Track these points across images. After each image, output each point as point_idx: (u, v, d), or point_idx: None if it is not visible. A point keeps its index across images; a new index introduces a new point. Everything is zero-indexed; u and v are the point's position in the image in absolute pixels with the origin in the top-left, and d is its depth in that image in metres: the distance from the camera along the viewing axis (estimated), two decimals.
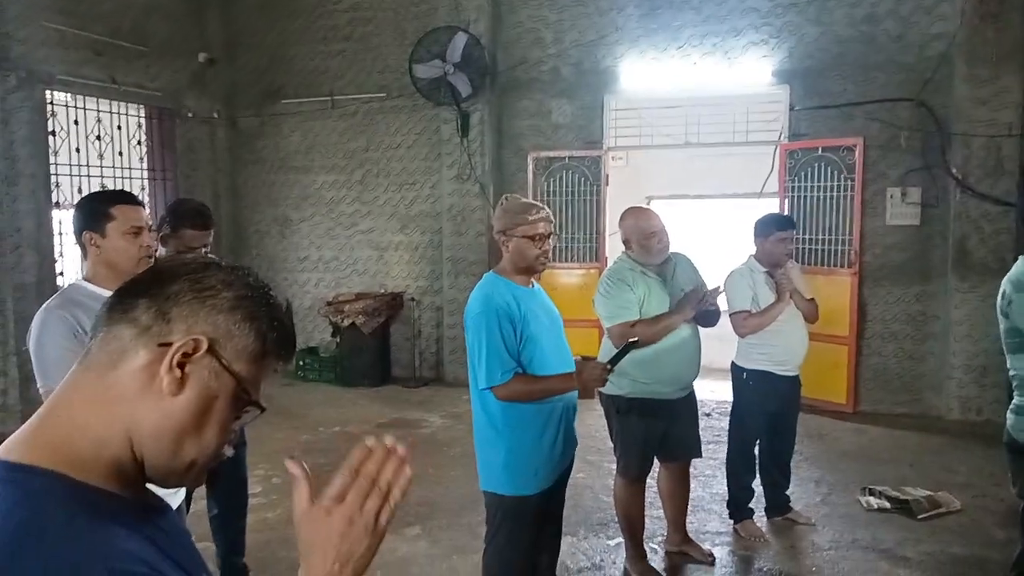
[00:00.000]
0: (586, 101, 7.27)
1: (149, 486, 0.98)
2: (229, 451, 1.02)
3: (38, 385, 2.18)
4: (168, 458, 0.94)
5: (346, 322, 7.53)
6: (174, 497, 2.35)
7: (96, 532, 0.83)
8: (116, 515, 0.88)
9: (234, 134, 8.43)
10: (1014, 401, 2.73)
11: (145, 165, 7.62)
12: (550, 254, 2.84)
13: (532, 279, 2.87)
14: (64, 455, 0.88)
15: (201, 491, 3.47)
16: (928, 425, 6.17)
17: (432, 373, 7.84)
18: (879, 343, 6.54)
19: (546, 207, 2.88)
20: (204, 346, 0.92)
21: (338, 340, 7.75)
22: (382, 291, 7.93)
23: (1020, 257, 2.73)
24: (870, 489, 4.66)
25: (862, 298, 6.51)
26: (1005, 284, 2.71)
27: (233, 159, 8.46)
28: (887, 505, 4.48)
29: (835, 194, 6.54)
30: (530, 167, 7.38)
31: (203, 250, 3.38)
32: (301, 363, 7.92)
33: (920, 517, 4.31)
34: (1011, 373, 2.75)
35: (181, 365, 0.91)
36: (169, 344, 0.91)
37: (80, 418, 0.91)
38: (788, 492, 4.40)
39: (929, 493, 4.53)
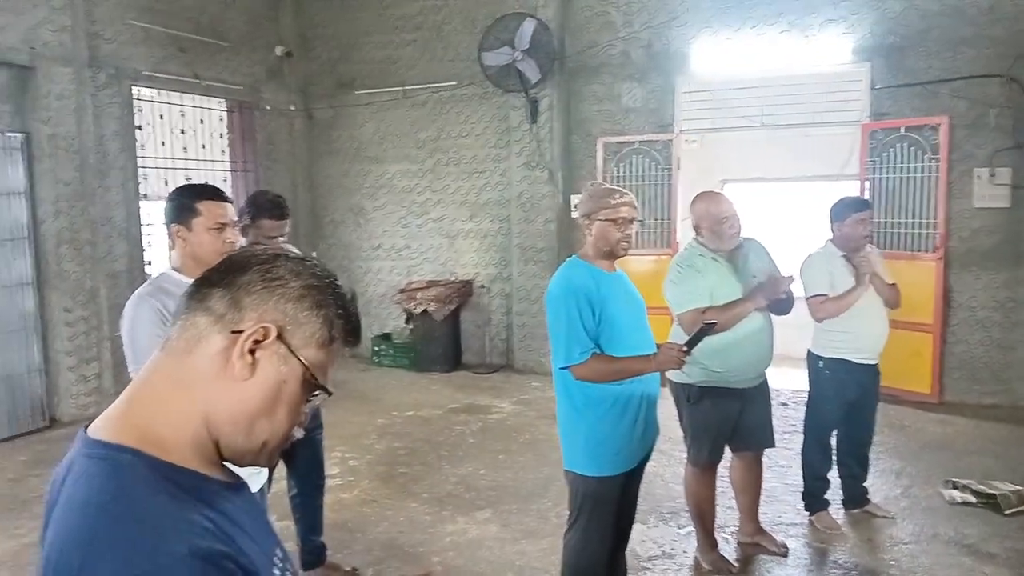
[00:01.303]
0: (657, 84, 7.17)
1: (229, 466, 1.04)
2: (299, 433, 1.06)
3: (129, 369, 2.31)
4: (242, 439, 0.99)
5: (418, 309, 7.66)
6: (257, 477, 2.44)
7: (177, 507, 0.89)
8: (196, 492, 0.93)
9: (310, 125, 8.64)
10: None
11: (227, 157, 7.90)
12: (633, 239, 2.85)
13: (615, 263, 2.88)
14: (148, 435, 0.95)
15: (281, 471, 3.60)
16: (1018, 416, 5.88)
17: (502, 360, 7.91)
18: (966, 331, 6.26)
19: (630, 193, 2.89)
20: (273, 333, 0.97)
21: (411, 327, 7.89)
22: (453, 278, 8.03)
23: None
24: (954, 482, 4.48)
25: (947, 284, 6.24)
26: None
27: (309, 150, 8.68)
28: (972, 499, 4.30)
29: (919, 175, 6.27)
30: (599, 152, 7.33)
31: (280, 239, 3.49)
32: (376, 349, 8.10)
33: (1007, 512, 4.13)
34: None
35: (252, 351, 0.97)
36: (241, 331, 0.96)
37: (162, 400, 0.97)
38: (867, 484, 4.28)
39: (1018, 488, 4.33)
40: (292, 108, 8.44)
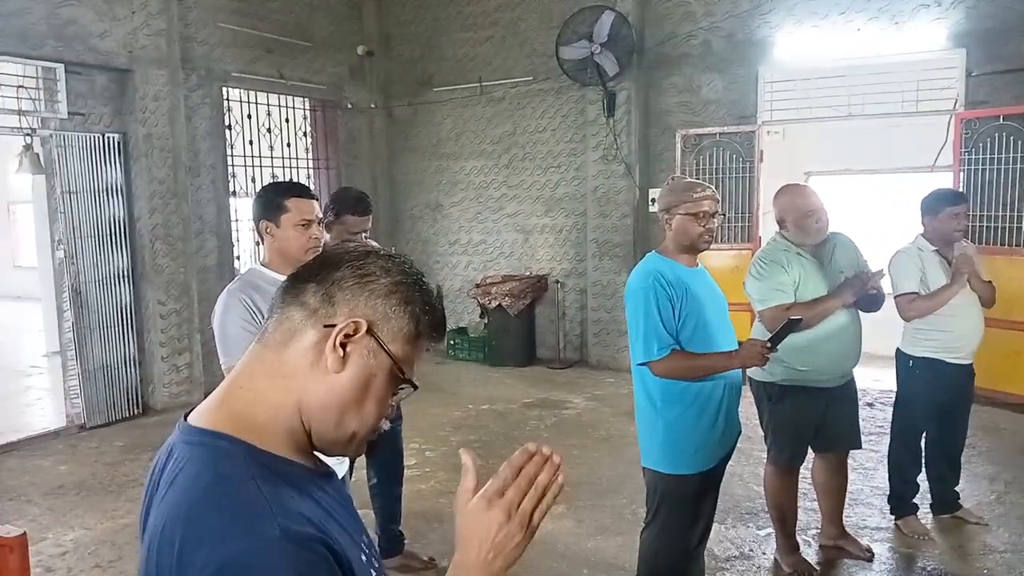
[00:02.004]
0: (738, 75, 7.01)
1: (317, 454, 1.07)
2: (386, 425, 1.09)
3: (220, 360, 2.41)
4: (332, 429, 1.02)
5: (493, 304, 7.72)
6: (339, 466, 2.51)
7: (272, 492, 0.92)
8: (289, 478, 0.97)
9: (390, 123, 8.80)
10: None
11: (310, 155, 8.12)
12: (714, 233, 2.81)
13: (696, 258, 2.84)
14: (245, 423, 0.99)
15: (361, 461, 3.69)
16: None
17: (576, 355, 7.89)
18: None
19: (711, 187, 2.84)
20: (364, 328, 1.00)
21: (486, 321, 7.96)
22: (528, 273, 8.06)
23: None
24: None
25: None
26: None
27: (389, 147, 8.84)
28: None
29: (1018, 166, 5.94)
30: (678, 145, 7.22)
31: (363, 235, 3.56)
32: (452, 343, 8.20)
33: None
34: None
35: (343, 345, 0.99)
36: (333, 325, 1.00)
37: (258, 390, 1.01)
38: (958, 489, 4.09)
39: None
40: (373, 106, 8.62)
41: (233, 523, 0.88)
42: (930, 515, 4.06)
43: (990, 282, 3.87)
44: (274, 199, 2.52)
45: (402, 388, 1.06)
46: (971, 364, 3.85)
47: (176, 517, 0.92)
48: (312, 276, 1.04)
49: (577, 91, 7.58)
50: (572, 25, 7.23)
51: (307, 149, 8.09)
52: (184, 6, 6.60)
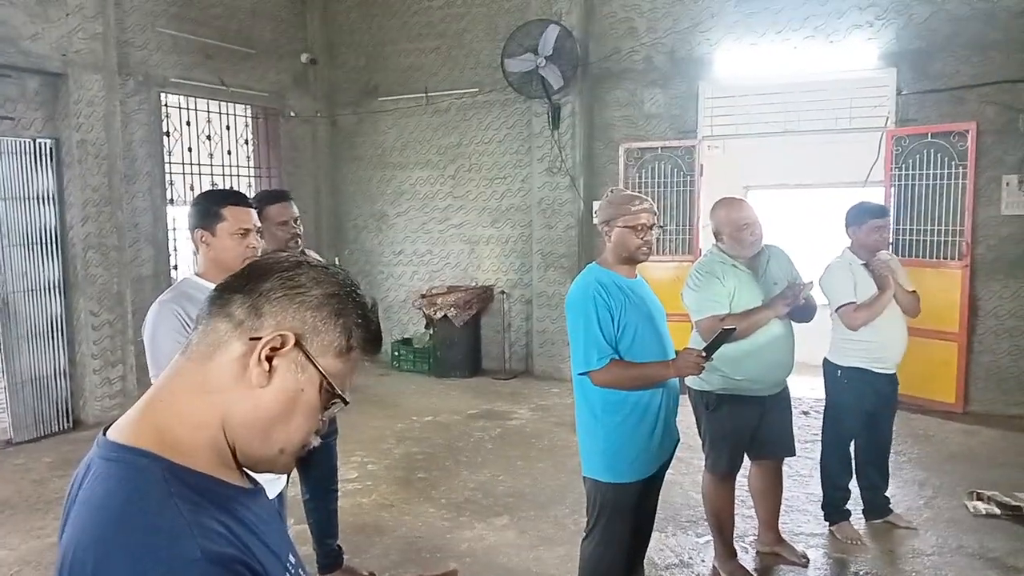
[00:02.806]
0: (680, 90, 7.15)
1: (246, 470, 1.05)
2: (316, 440, 1.07)
3: (151, 374, 2.34)
4: (258, 445, 1.00)
5: (439, 314, 7.69)
6: (276, 483, 2.46)
7: (191, 511, 0.90)
8: (211, 496, 0.94)
9: (334, 132, 8.72)
10: None
11: (251, 163, 7.99)
12: (652, 245, 2.85)
13: (635, 270, 2.89)
14: (166, 438, 0.96)
15: (295, 476, 3.63)
16: None
17: (521, 366, 7.91)
18: (992, 340, 6.16)
19: (649, 199, 2.89)
20: (291, 341, 0.98)
21: (431, 332, 7.92)
22: (473, 284, 8.06)
23: None
24: (978, 494, 4.41)
25: (974, 292, 6.15)
26: None
27: (333, 156, 8.76)
28: (997, 511, 4.23)
29: (945, 182, 6.19)
30: (621, 158, 7.32)
31: (294, 224, 3.42)
32: (396, 354, 8.14)
33: None
34: None
35: (269, 358, 0.97)
36: (259, 338, 0.97)
37: (181, 404, 0.98)
38: (890, 494, 4.22)
39: None
40: (316, 114, 8.53)
41: (148, 545, 0.86)
42: (863, 520, 4.17)
43: (914, 292, 4.01)
44: (210, 207, 2.46)
45: (333, 403, 1.04)
46: (895, 373, 3.98)
47: (89, 538, 0.88)
48: (239, 287, 1.01)
49: (523, 103, 7.63)
50: (517, 38, 7.28)
51: (248, 157, 7.96)
52: (121, 10, 6.44)
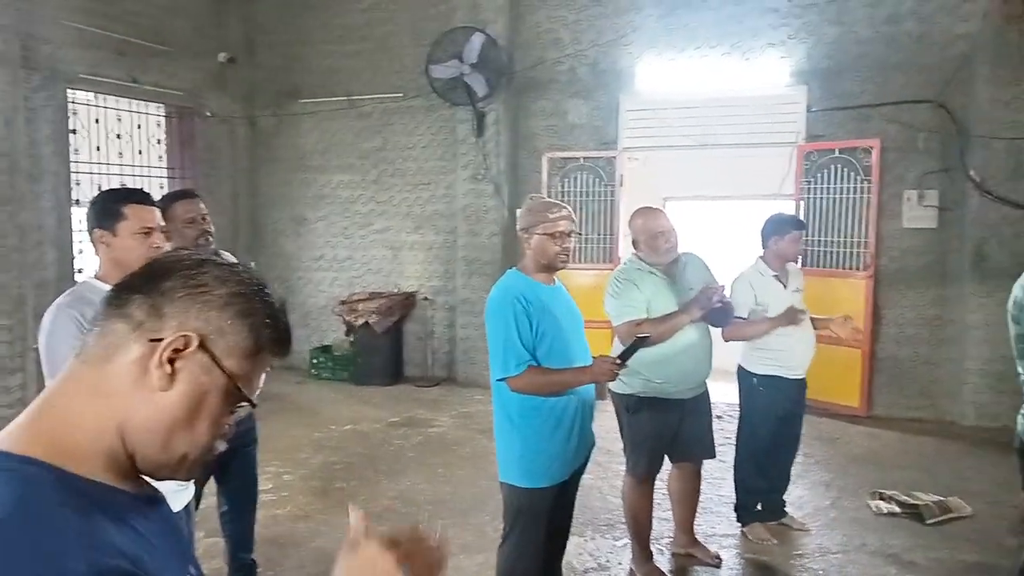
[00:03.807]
0: (602, 102, 7.27)
1: (150, 479, 1.00)
2: (222, 446, 1.03)
3: (46, 382, 2.22)
4: (159, 451, 0.96)
5: (359, 321, 7.58)
6: (183, 493, 2.38)
7: (82, 523, 0.85)
8: (105, 507, 0.90)
9: (253, 133, 8.51)
10: None
11: (165, 164, 7.72)
12: (571, 252, 2.89)
13: (554, 276, 2.91)
14: (59, 446, 0.91)
15: (212, 487, 3.51)
16: (942, 430, 6.11)
17: (444, 373, 7.88)
18: (894, 347, 6.48)
19: (568, 207, 2.93)
20: (195, 342, 0.94)
21: (351, 339, 7.81)
22: (396, 291, 7.98)
23: None
24: (880, 493, 4.63)
25: (877, 301, 6.46)
26: (1016, 289, 2.72)
27: (252, 158, 8.54)
28: (897, 510, 4.45)
29: (851, 196, 6.49)
30: (545, 168, 7.39)
31: (203, 220, 3.29)
32: (315, 361, 7.99)
33: (930, 522, 4.28)
34: (1021, 378, 2.74)
35: (171, 360, 0.93)
36: (160, 339, 0.93)
37: (75, 410, 0.93)
38: (797, 495, 4.38)
39: (940, 498, 4.49)
40: (234, 115, 8.30)
41: (32, 559, 0.80)
42: (773, 522, 4.30)
43: (844, 317, 4.16)
44: (110, 206, 2.36)
45: (240, 407, 1.01)
46: (804, 379, 4.15)
47: None
48: (139, 286, 0.97)
49: (447, 110, 7.61)
50: (443, 44, 7.27)
51: (161, 158, 7.68)
52: (27, 1, 6.13)
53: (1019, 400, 2.78)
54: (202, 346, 0.95)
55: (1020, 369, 2.74)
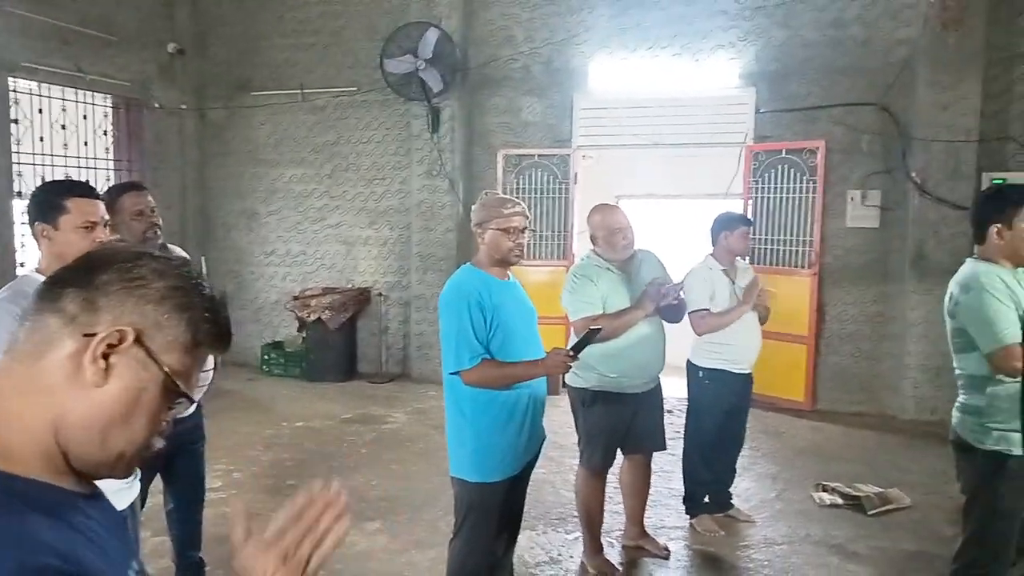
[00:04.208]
0: (556, 100, 7.32)
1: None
2: (160, 443, 1.02)
3: None
4: (96, 449, 0.94)
5: (312, 317, 7.51)
6: (128, 491, 2.33)
7: (13, 522, 0.84)
8: (39, 505, 0.88)
9: (202, 126, 8.36)
10: (959, 399, 2.84)
11: (112, 156, 7.53)
12: (524, 247, 2.91)
13: (508, 272, 2.93)
14: None
15: (158, 484, 3.45)
16: (883, 424, 6.31)
17: (399, 369, 7.85)
18: (837, 343, 6.67)
19: (522, 203, 2.95)
20: (130, 337, 0.93)
21: (304, 335, 7.73)
22: (349, 286, 7.92)
23: (968, 260, 2.83)
24: (823, 485, 4.76)
25: (821, 299, 6.63)
26: (952, 286, 2.81)
27: (201, 151, 8.39)
28: (839, 501, 4.58)
29: (797, 195, 6.65)
30: (500, 164, 7.41)
31: (150, 213, 3.22)
32: (266, 357, 7.89)
33: (871, 513, 4.42)
34: (957, 372, 2.84)
35: (106, 356, 0.92)
36: (94, 334, 0.91)
37: (6, 407, 0.91)
38: (744, 487, 4.48)
39: (880, 490, 4.64)
40: (183, 107, 8.15)
41: None
42: (717, 513, 4.40)
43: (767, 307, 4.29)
44: (52, 199, 2.30)
45: (179, 402, 1.00)
46: (751, 373, 4.26)
47: None
48: (73, 279, 0.95)
49: (402, 105, 7.58)
50: (397, 39, 7.23)
51: (108, 149, 7.49)
52: None
53: (956, 394, 2.88)
54: (138, 341, 0.93)
55: (956, 364, 2.84)
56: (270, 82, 8.05)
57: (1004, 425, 2.62)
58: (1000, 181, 5.90)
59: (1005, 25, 6.18)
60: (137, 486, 2.49)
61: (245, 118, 8.20)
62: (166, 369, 0.96)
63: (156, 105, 7.82)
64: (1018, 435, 2.55)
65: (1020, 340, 2.53)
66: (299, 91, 7.91)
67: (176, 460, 3.16)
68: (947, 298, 2.83)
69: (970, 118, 6.12)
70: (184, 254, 3.17)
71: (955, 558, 2.90)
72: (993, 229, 2.72)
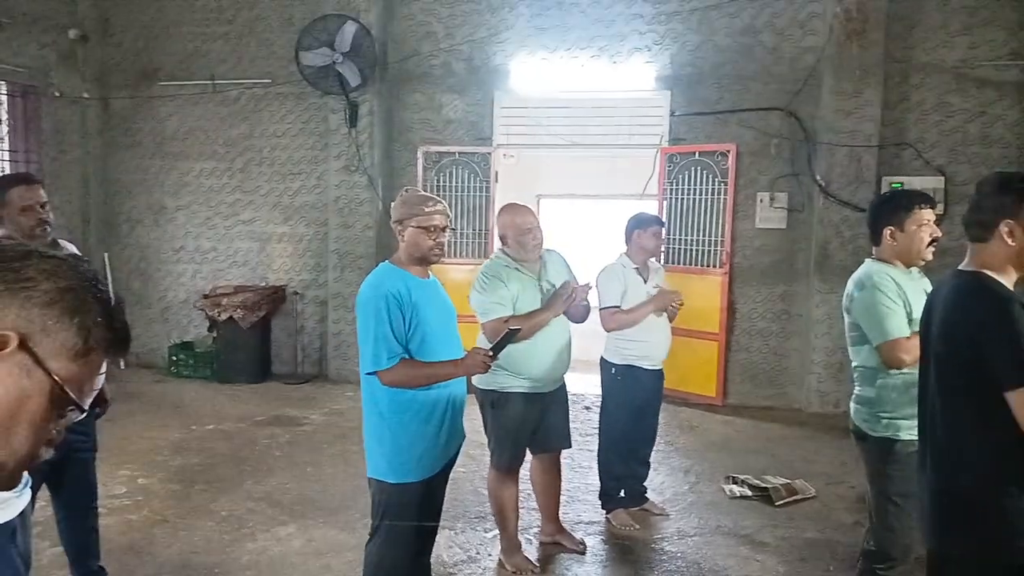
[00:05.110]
0: (476, 98, 7.31)
1: None
2: (47, 453, 0.96)
3: None
4: None
5: (223, 316, 7.28)
6: (18, 500, 2.21)
7: None
8: None
9: (106, 116, 7.99)
10: (855, 392, 2.98)
11: (6, 146, 7.11)
12: (445, 246, 2.88)
13: (428, 270, 2.90)
14: None
15: (46, 494, 3.27)
16: (790, 417, 6.56)
17: (315, 369, 7.69)
18: (747, 339, 6.90)
19: (443, 201, 2.92)
20: (14, 342, 0.87)
21: (215, 335, 7.48)
22: (263, 284, 7.71)
23: (866, 260, 2.97)
24: (733, 478, 4.92)
25: (732, 297, 6.84)
26: (849, 284, 2.96)
27: (105, 142, 8.01)
28: (748, 493, 4.74)
29: (710, 197, 6.84)
30: (420, 161, 7.35)
31: (41, 209, 3.05)
32: (175, 358, 7.61)
33: (778, 504, 4.58)
34: (853, 365, 2.99)
35: None
36: None
37: None
38: (658, 481, 4.57)
39: (787, 481, 4.82)
40: (86, 96, 7.76)
41: None
42: (634, 508, 4.48)
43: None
44: None
45: (69, 411, 0.94)
46: (662, 369, 4.36)
47: None
48: None
49: (319, 99, 7.42)
50: (313, 31, 7.07)
51: (2, 139, 7.07)
52: None
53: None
54: (23, 346, 0.88)
55: (852, 357, 2.98)
56: (179, 71, 7.76)
57: (892, 414, 2.79)
58: (898, 185, 6.24)
59: (903, 37, 6.51)
60: (27, 495, 2.35)
61: (152, 108, 7.88)
62: (55, 376, 0.90)
63: (56, 93, 7.43)
64: (905, 422, 2.72)
65: (906, 334, 2.69)
66: (210, 81, 7.66)
67: (64, 470, 3.02)
68: (845, 295, 2.97)
69: (871, 125, 6.42)
70: (75, 251, 3.03)
71: (864, 543, 3.03)
72: (886, 232, 2.88)
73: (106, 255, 7.92)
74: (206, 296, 7.53)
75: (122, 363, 7.65)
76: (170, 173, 7.94)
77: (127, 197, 8.06)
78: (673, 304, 4.22)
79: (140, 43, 7.84)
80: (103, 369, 1.01)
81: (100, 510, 3.39)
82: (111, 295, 0.98)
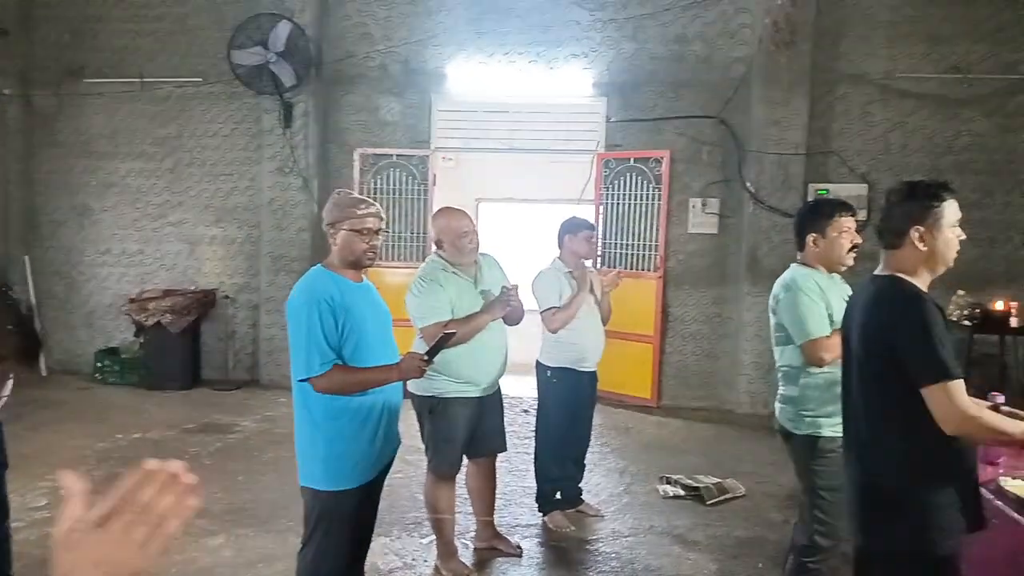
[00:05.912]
0: (414, 100, 7.27)
1: None
2: None
3: None
4: None
5: (151, 321, 7.07)
6: None
7: None
8: None
9: (28, 114, 7.68)
10: (780, 391, 3.08)
11: None
12: (378, 249, 2.85)
13: (362, 274, 2.86)
14: None
15: None
16: (721, 418, 6.72)
17: (247, 375, 7.53)
18: (680, 342, 7.03)
19: (377, 203, 2.88)
20: None
21: (142, 340, 7.26)
22: (193, 288, 7.51)
23: (792, 264, 3.08)
24: (667, 478, 5.01)
25: (666, 300, 6.97)
26: (776, 287, 3.07)
27: (27, 142, 7.70)
28: (681, 492, 4.83)
29: (644, 202, 6.96)
30: (356, 163, 7.27)
31: None
32: (100, 364, 7.36)
33: (709, 503, 4.69)
34: (777, 365, 3.08)
35: None
36: None
37: None
38: (593, 483, 4.62)
39: (718, 480, 4.93)
40: (6, 93, 7.45)
41: None
42: (568, 509, 4.52)
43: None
44: None
45: None
46: (596, 371, 4.41)
47: None
48: None
49: (252, 99, 7.28)
50: (247, 30, 6.94)
51: None
52: None
53: None
54: None
55: (777, 358, 3.08)
56: (106, 69, 7.51)
57: (815, 412, 2.90)
58: (824, 192, 6.46)
59: (830, 48, 6.74)
60: None
61: (77, 107, 7.60)
62: None
63: None
64: (827, 420, 2.84)
65: (827, 334, 2.82)
66: (138, 79, 7.43)
67: None
68: (771, 297, 3.07)
69: (798, 133, 6.63)
70: None
71: (791, 549, 3.12)
72: (810, 238, 3.00)
73: (26, 257, 7.60)
74: (133, 300, 7.29)
75: (43, 370, 7.36)
76: (96, 173, 7.67)
77: (50, 198, 7.76)
78: (604, 280, 4.30)
79: (65, 39, 7.57)
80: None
81: (18, 523, 3.26)
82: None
